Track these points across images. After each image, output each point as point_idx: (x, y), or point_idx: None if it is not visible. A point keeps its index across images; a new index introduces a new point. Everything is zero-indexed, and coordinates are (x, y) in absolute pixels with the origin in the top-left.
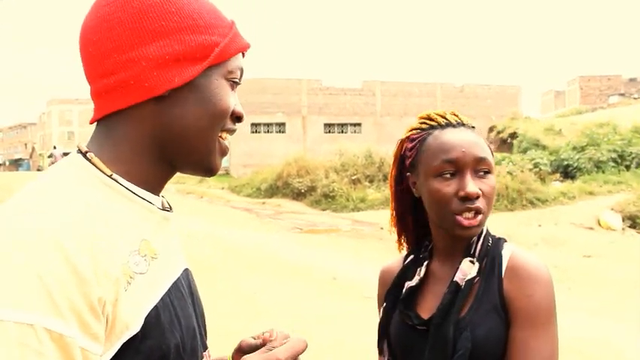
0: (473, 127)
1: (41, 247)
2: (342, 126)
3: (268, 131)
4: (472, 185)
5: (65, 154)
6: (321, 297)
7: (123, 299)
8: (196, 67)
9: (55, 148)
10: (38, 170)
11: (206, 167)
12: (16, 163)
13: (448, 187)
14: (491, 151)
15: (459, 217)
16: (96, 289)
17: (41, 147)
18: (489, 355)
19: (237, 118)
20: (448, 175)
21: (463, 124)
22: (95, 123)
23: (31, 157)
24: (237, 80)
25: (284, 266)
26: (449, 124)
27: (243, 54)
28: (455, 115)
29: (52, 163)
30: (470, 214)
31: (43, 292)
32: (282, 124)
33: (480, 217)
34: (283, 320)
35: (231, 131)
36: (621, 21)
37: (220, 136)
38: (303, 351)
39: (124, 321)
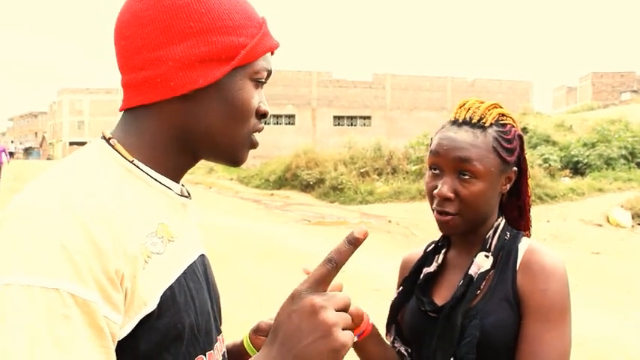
0: (483, 127)
1: (61, 217)
2: (352, 119)
3: (278, 123)
4: (443, 187)
5: (11, 153)
6: None
7: (141, 276)
8: (222, 68)
9: (12, 142)
10: (48, 159)
11: (231, 159)
12: (26, 152)
13: (430, 184)
14: (501, 156)
15: (435, 213)
16: (113, 261)
17: (51, 136)
18: (497, 345)
19: (262, 115)
20: (437, 172)
21: (469, 122)
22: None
23: (41, 145)
24: (262, 80)
25: (292, 257)
26: (455, 122)
27: (272, 52)
28: (472, 108)
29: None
30: (443, 213)
31: (66, 260)
32: (292, 116)
33: (452, 217)
34: None
35: (260, 130)
36: (635, 18)
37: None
38: (348, 306)
39: (141, 297)
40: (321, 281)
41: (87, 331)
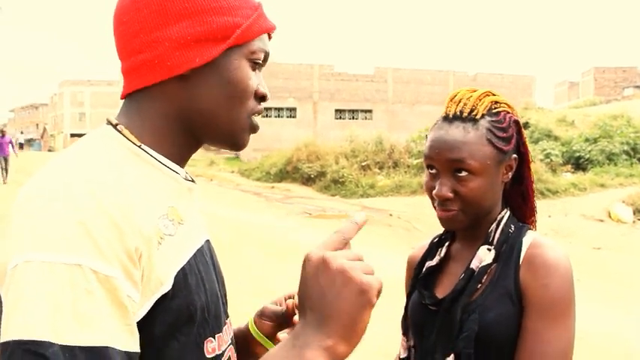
0: (474, 120)
1: (78, 197)
2: (353, 112)
3: (279, 116)
4: (441, 188)
5: (21, 144)
6: None
7: (155, 256)
8: (217, 47)
9: (22, 132)
10: (49, 151)
11: (232, 142)
12: (27, 144)
13: (429, 184)
14: (497, 146)
15: (437, 210)
16: (131, 238)
17: (53, 128)
18: (497, 340)
19: (261, 97)
20: (434, 171)
21: (460, 117)
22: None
23: (42, 137)
24: (259, 61)
25: (294, 248)
26: (446, 117)
27: (269, 36)
28: (463, 100)
29: None
30: (445, 209)
31: (86, 237)
32: (293, 109)
33: (454, 212)
34: None
35: (259, 112)
36: (638, 13)
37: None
38: (361, 259)
39: (158, 277)
40: (329, 245)
41: (110, 309)
